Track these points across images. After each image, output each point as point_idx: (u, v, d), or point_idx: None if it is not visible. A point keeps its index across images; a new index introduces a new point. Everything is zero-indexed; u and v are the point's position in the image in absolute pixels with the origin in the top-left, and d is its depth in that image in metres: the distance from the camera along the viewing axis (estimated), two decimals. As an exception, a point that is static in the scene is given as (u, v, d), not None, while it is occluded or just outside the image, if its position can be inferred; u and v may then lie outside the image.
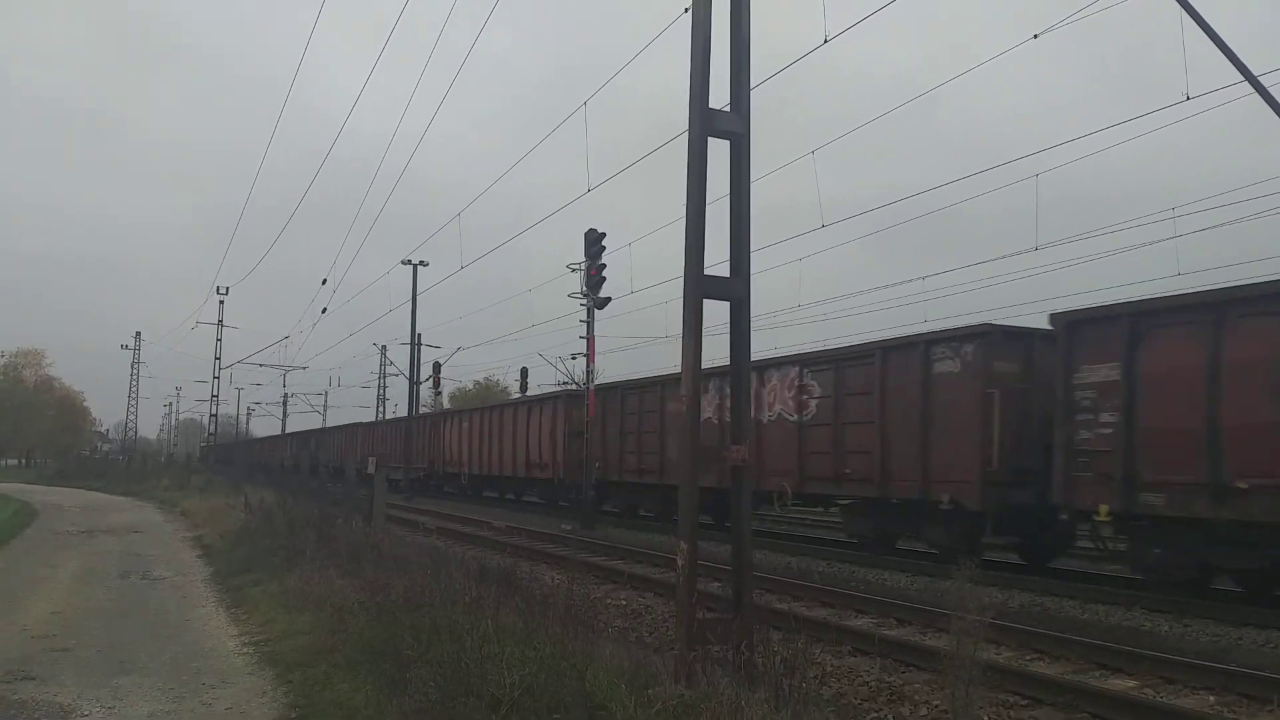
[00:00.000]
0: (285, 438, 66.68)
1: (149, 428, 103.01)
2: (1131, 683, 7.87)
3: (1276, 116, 8.75)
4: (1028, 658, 8.76)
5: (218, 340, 47.08)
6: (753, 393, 16.88)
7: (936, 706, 6.89)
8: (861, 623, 10.43)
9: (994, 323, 14.76)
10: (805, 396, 17.44)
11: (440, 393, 55.09)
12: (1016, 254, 41.96)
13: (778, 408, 18.08)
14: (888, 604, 11.17)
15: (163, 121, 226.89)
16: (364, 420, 57.07)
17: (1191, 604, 11.33)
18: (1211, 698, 7.39)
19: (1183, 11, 9.31)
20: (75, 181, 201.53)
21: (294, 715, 6.42)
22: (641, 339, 79.15)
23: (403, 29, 14.04)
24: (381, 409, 63.34)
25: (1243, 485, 10.69)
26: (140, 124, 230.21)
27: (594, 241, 24.74)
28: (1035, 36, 12.19)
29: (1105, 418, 12.24)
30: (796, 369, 17.69)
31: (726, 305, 6.89)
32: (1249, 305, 11.01)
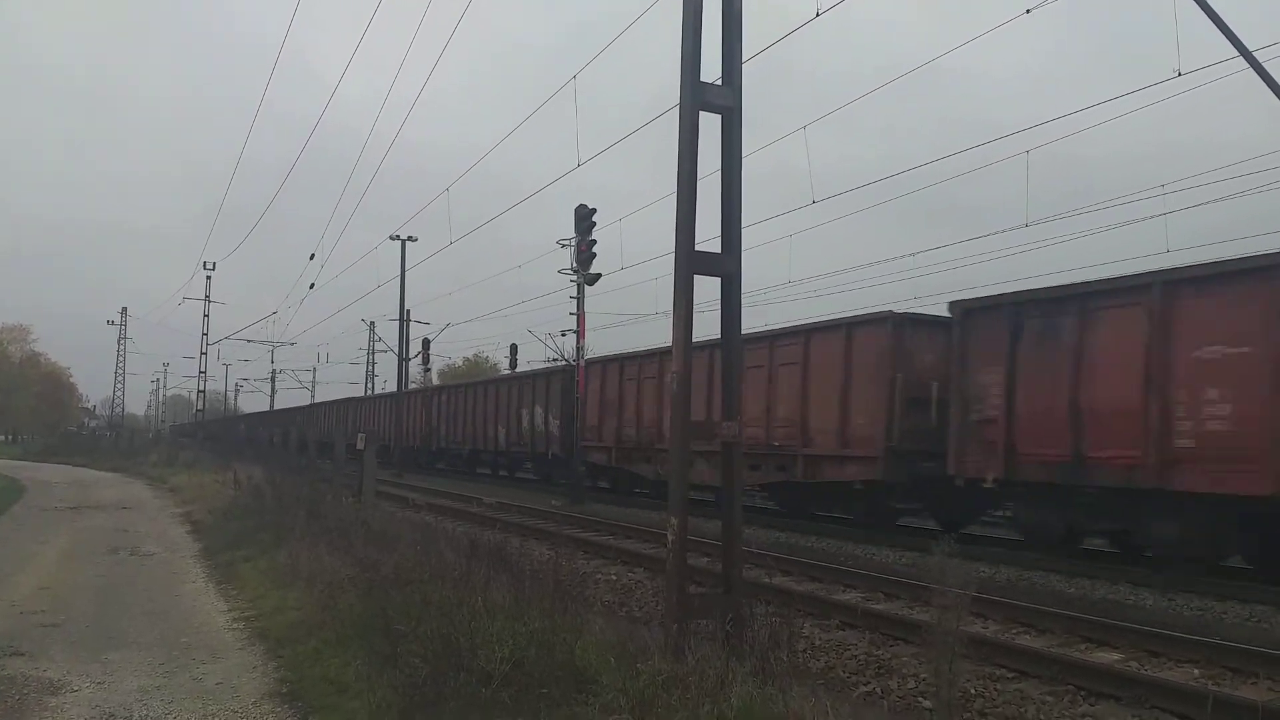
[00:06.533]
0: (275, 414, 66.62)
1: (136, 404, 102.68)
2: (1116, 655, 7.95)
3: (1270, 91, 8.73)
4: (1014, 631, 8.84)
5: (205, 316, 46.88)
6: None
7: (924, 679, 6.94)
8: (850, 597, 10.49)
9: (898, 310, 16.24)
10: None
11: (430, 369, 55.05)
12: (1007, 230, 42.03)
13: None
14: (876, 578, 11.25)
15: (153, 93, 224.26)
16: (354, 396, 57.05)
17: (1176, 578, 11.48)
18: (1196, 670, 7.47)
19: (1175, -14, 9.27)
20: (63, 151, 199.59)
21: (284, 690, 6.43)
22: (632, 315, 79.05)
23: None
24: (370, 385, 63.30)
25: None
26: (131, 96, 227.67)
27: (584, 217, 24.67)
28: (1028, 12, 12.14)
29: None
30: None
31: (717, 281, 6.87)
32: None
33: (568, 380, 26.58)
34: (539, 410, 28.47)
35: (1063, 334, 12.89)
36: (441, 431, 36.91)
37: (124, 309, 68.08)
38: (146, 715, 5.92)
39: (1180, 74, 10.98)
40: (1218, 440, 11.04)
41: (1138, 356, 11.87)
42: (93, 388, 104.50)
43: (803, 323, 18.16)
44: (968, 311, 14.23)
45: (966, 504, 15.57)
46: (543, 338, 47.72)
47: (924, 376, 15.23)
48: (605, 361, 25.24)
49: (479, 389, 34.65)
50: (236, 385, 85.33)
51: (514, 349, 46.44)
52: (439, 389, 40.77)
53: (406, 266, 39.75)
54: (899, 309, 16.40)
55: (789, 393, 17.53)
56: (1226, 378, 10.99)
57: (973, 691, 6.84)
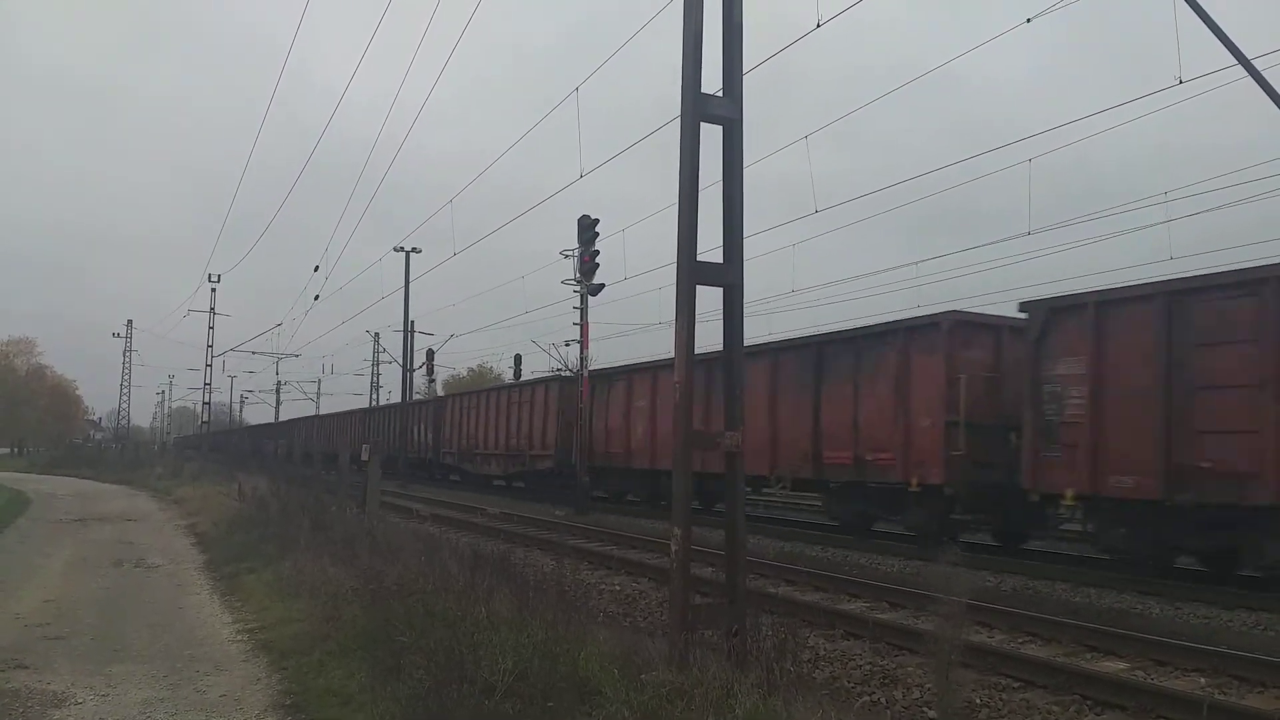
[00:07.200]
0: (279, 425, 66.82)
1: (142, 416, 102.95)
2: (1123, 665, 7.91)
3: (1269, 99, 8.74)
4: (1020, 640, 8.80)
5: (210, 329, 46.92)
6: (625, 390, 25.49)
7: (929, 689, 6.92)
8: (854, 606, 10.46)
9: (593, 369, 27.17)
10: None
11: (434, 380, 55.08)
12: (1009, 238, 42.06)
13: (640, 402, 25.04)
14: (880, 587, 11.22)
15: (159, 100, 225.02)
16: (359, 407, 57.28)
17: (1178, 586, 11.44)
18: (1202, 679, 7.43)
19: (1175, -5, 9.29)
20: (69, 159, 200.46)
21: (288, 702, 6.42)
22: (636, 325, 79.03)
23: (400, 6, 13.95)
24: (375, 396, 63.35)
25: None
26: (137, 103, 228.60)
27: (587, 228, 24.72)
28: (1028, 20, 12.17)
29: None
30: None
31: (720, 291, 6.87)
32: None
33: (438, 407, 38.59)
34: (421, 427, 39.50)
35: (617, 390, 24.91)
36: (371, 442, 42.07)
37: (129, 321, 67.92)
38: (150, 728, 5.91)
39: (1181, 81, 10.98)
40: (640, 443, 23.22)
41: (623, 404, 24.27)
42: (98, 400, 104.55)
43: (530, 379, 32.76)
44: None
45: (596, 477, 25.55)
46: (546, 348, 47.87)
47: (577, 411, 26.13)
48: (455, 395, 38.85)
49: (390, 411, 45.47)
50: (241, 397, 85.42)
51: (518, 359, 46.44)
52: (370, 410, 49.54)
53: (411, 277, 39.93)
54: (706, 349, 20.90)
55: (527, 419, 29.67)
56: (641, 416, 23.36)
57: (978, 701, 6.83)
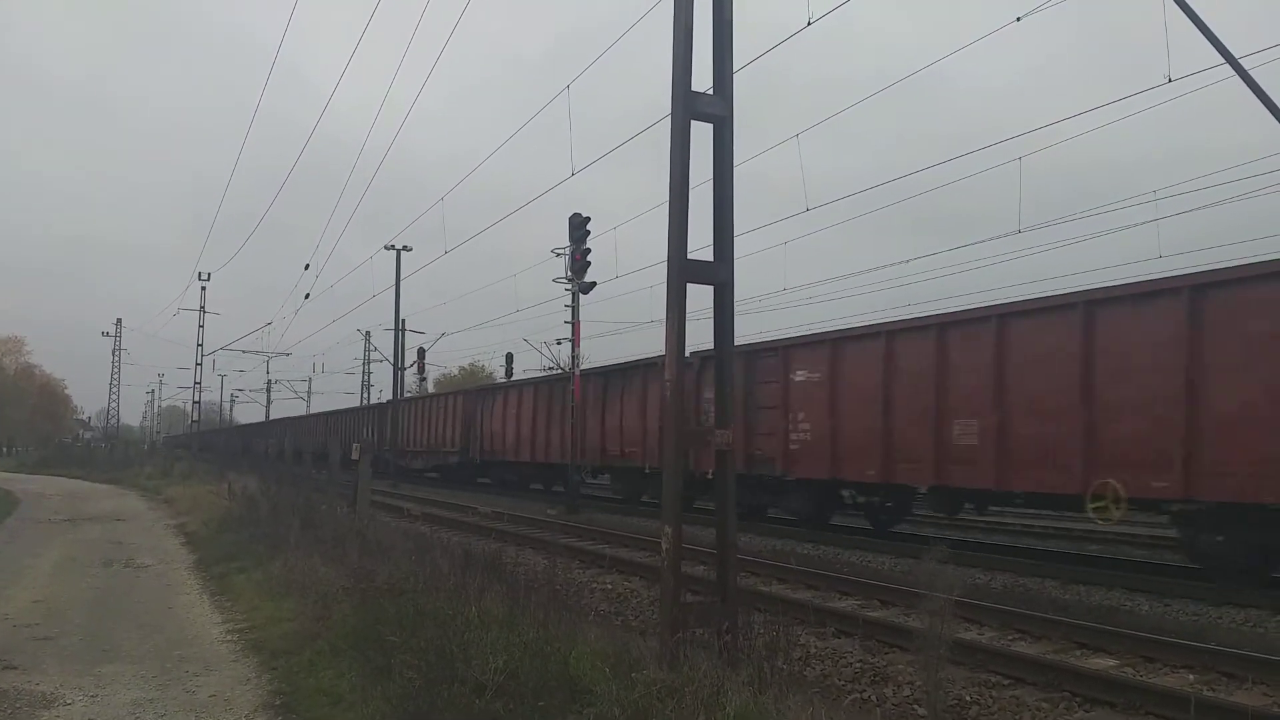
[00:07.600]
0: (269, 424, 66.71)
1: (131, 415, 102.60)
2: (1111, 661, 7.94)
3: (1257, 98, 8.78)
4: (1010, 638, 8.82)
5: (200, 327, 46.73)
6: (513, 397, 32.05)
7: (919, 686, 6.93)
8: (845, 605, 10.48)
9: (472, 387, 38.79)
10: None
11: (425, 379, 55.07)
12: (999, 237, 42.26)
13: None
14: (871, 585, 11.24)
15: (149, 102, 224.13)
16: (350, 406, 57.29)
17: (1171, 584, 11.50)
18: (1191, 676, 7.47)
19: (1164, -6, 9.32)
20: (58, 162, 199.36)
21: (278, 702, 6.40)
22: (628, 323, 79.08)
23: (390, 7, 13.91)
24: (366, 395, 63.30)
25: None
26: (126, 105, 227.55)
27: (578, 226, 24.68)
28: (1018, 19, 12.20)
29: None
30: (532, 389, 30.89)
31: (710, 289, 6.87)
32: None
33: (381, 412, 44.24)
34: (374, 428, 44.65)
35: (497, 402, 31.60)
36: (359, 440, 45.54)
37: (119, 320, 67.63)
38: (139, 729, 5.88)
39: (1170, 80, 11.03)
40: (513, 442, 29.69)
41: (501, 413, 30.31)
42: (87, 399, 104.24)
43: (449, 392, 39.83)
44: (478, 390, 35.82)
45: (485, 468, 33.60)
46: (538, 346, 47.86)
47: (474, 415, 33.60)
48: (396, 401, 42.56)
49: (349, 414, 51.60)
50: (232, 396, 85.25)
51: (509, 358, 46.51)
52: (331, 414, 54.11)
53: (402, 276, 39.83)
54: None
55: (442, 423, 36.50)
56: (512, 421, 29.68)
57: (968, 699, 6.84)
